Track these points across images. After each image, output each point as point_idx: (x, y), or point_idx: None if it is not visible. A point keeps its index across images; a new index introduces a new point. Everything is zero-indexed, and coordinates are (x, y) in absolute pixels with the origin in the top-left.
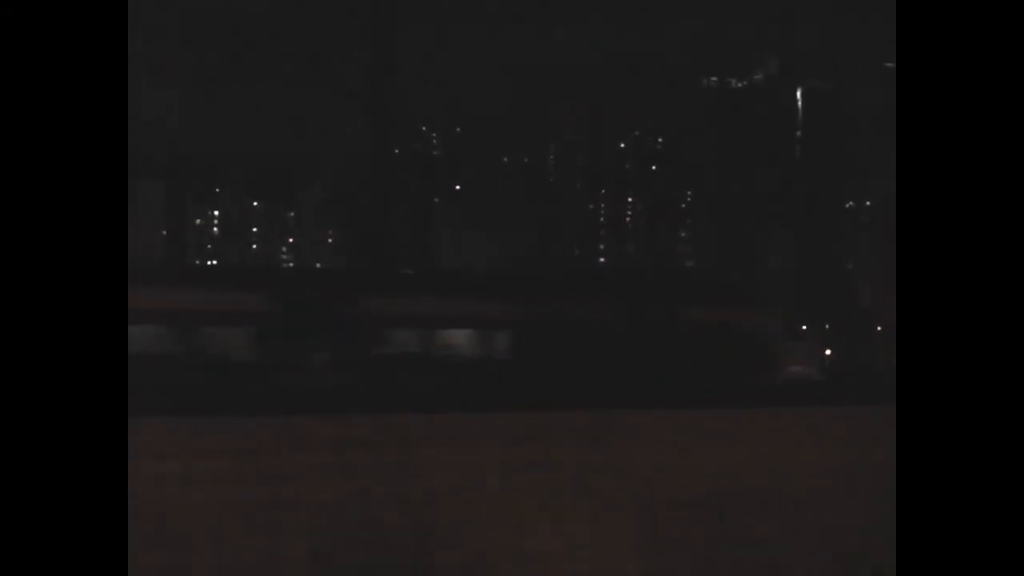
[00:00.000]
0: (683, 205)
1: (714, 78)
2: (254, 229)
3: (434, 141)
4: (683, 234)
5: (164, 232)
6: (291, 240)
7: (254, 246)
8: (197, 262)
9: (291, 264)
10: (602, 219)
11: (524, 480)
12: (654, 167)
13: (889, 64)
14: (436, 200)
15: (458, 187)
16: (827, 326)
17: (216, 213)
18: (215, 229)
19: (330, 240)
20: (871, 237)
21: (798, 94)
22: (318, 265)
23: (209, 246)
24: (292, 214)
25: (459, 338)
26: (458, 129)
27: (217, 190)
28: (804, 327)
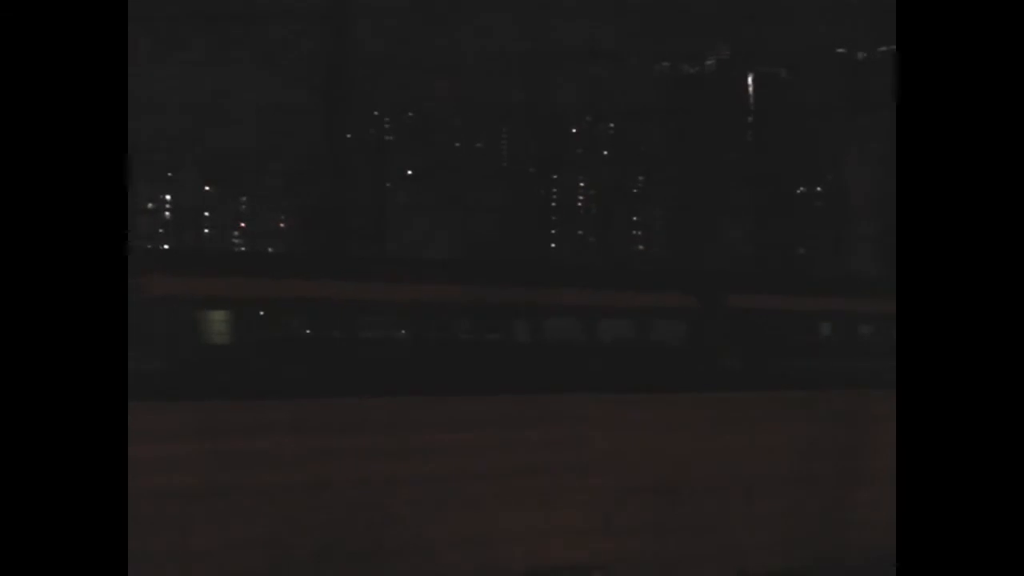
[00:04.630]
0: (635, 191)
1: (666, 63)
2: (206, 214)
3: (386, 126)
4: (635, 218)
5: None
6: (243, 225)
7: (206, 231)
8: (149, 247)
9: (243, 249)
10: (554, 204)
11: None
12: (606, 152)
13: (841, 50)
14: (388, 185)
15: (410, 172)
16: None
17: (168, 197)
18: (167, 214)
19: (282, 225)
20: (822, 222)
21: (750, 80)
22: (270, 250)
23: (161, 230)
24: (245, 199)
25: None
26: (410, 114)
27: (169, 174)
28: None
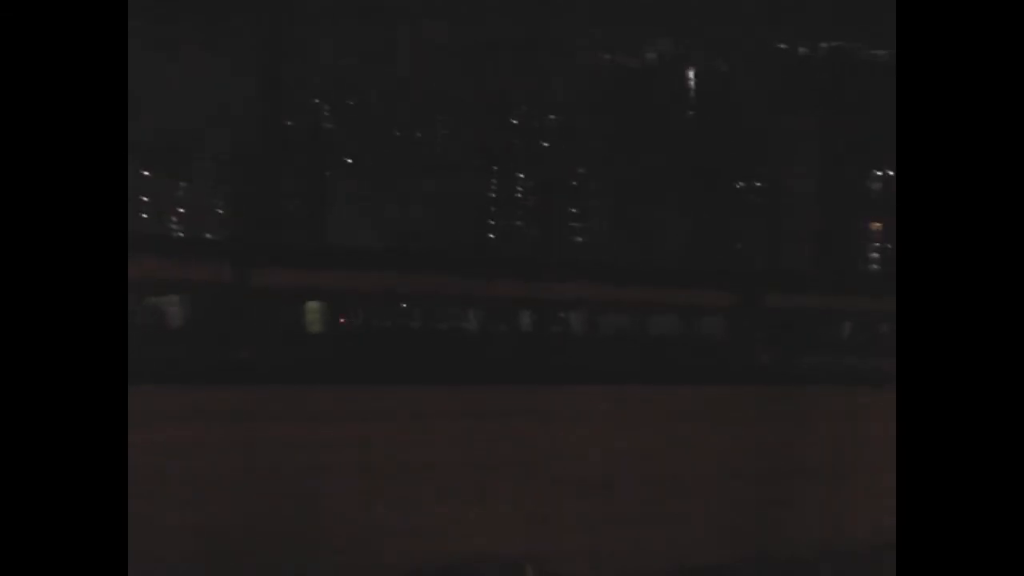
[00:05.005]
0: (574, 183)
1: (607, 56)
2: (144, 199)
3: (326, 114)
4: (574, 210)
5: None
6: (181, 211)
7: (143, 216)
8: None
9: (181, 235)
10: (493, 195)
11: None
12: (545, 144)
13: (782, 45)
14: (327, 174)
15: (349, 160)
16: None
17: None
18: None
19: (220, 212)
20: (761, 217)
21: (691, 74)
22: (208, 236)
23: None
24: (183, 185)
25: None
26: (350, 102)
27: None
28: None
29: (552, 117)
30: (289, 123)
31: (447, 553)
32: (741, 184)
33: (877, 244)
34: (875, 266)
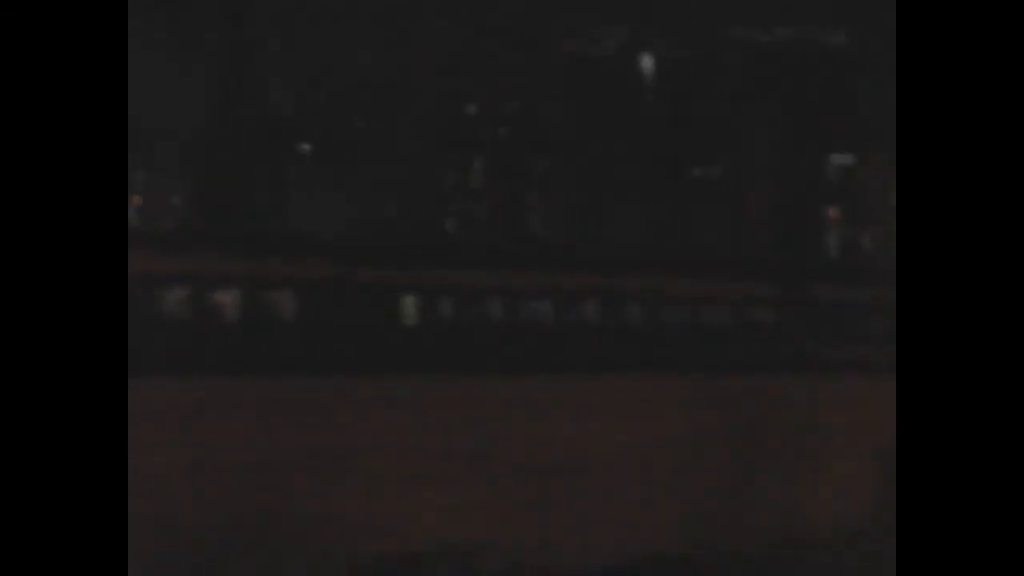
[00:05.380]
0: (532, 171)
1: (566, 43)
2: None
3: (285, 103)
4: (531, 200)
5: None
6: (138, 200)
7: None
8: None
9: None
10: (452, 184)
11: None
12: (503, 132)
13: (741, 34)
14: (287, 163)
15: (307, 146)
16: None
17: None
18: None
19: (176, 202)
20: (719, 203)
21: (649, 61)
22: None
23: None
24: (139, 174)
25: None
26: (310, 92)
27: None
28: None
29: (510, 106)
30: (247, 112)
31: (401, 541)
32: (699, 171)
33: (834, 230)
34: (832, 252)
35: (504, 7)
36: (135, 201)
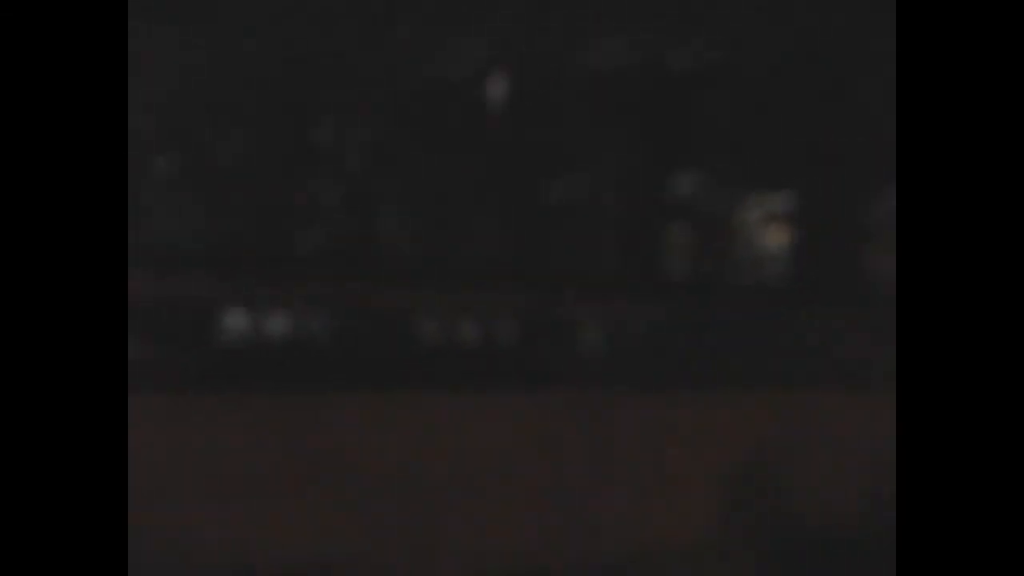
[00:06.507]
0: (383, 190)
1: (417, 69)
2: None
3: (141, 122)
4: (384, 217)
5: None
6: None
7: None
8: None
9: None
10: (300, 203)
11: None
12: (351, 156)
13: (592, 57)
14: (141, 178)
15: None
16: None
17: None
18: None
19: None
20: (574, 224)
21: (501, 86)
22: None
23: None
24: None
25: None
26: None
27: None
28: None
29: (362, 123)
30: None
31: (257, 555)
32: (548, 191)
33: (680, 247)
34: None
35: (353, 27)
36: None
